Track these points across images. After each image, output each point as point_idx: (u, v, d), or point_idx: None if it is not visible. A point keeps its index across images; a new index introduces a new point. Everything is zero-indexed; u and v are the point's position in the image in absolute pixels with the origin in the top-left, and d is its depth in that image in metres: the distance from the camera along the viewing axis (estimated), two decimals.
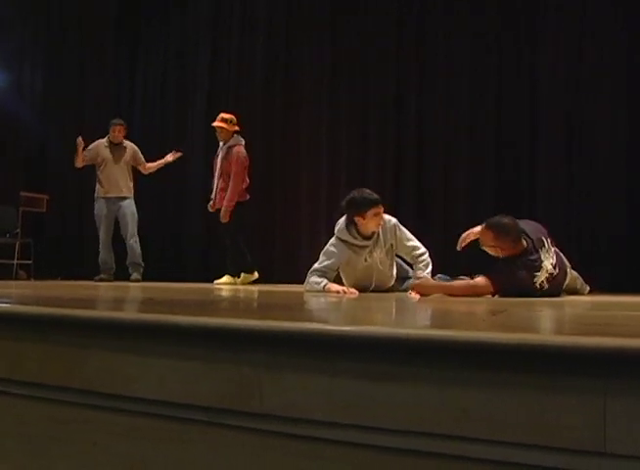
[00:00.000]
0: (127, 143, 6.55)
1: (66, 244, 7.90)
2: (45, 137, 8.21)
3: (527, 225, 3.55)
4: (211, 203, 6.09)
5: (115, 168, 6.40)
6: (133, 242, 6.35)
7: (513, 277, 3.30)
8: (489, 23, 6.60)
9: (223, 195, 5.91)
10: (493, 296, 3.30)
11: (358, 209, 3.86)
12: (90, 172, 6.55)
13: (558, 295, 3.59)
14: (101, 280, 6.20)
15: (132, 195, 6.47)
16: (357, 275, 4.02)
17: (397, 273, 4.21)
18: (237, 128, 6.02)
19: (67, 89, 8.23)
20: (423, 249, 4.01)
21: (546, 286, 3.39)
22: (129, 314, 1.51)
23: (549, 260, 3.41)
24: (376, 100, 7.02)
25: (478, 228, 3.54)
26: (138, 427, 1.26)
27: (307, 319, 1.60)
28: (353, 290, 3.69)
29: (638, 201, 6.02)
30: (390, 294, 3.99)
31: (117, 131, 6.43)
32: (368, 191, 3.92)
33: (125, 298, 2.78)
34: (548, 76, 6.38)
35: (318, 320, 1.58)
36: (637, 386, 0.88)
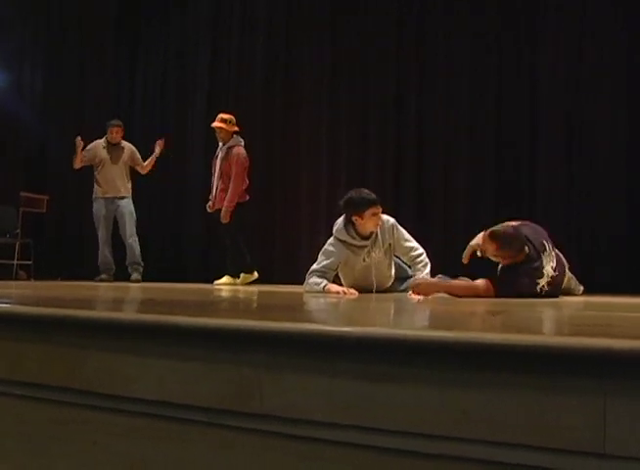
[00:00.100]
0: (125, 143, 6.55)
1: (65, 244, 7.90)
2: (45, 137, 8.22)
3: (529, 230, 3.53)
4: (210, 203, 6.09)
5: (113, 169, 6.41)
6: (132, 241, 6.36)
7: (515, 284, 3.30)
8: (489, 23, 6.60)
9: (223, 196, 5.91)
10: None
11: (356, 208, 3.85)
12: (90, 173, 6.56)
13: (557, 295, 3.60)
14: (101, 280, 6.20)
15: (130, 195, 6.48)
16: (356, 275, 4.02)
17: (396, 273, 4.20)
18: (236, 129, 6.01)
19: (67, 89, 8.23)
20: (421, 249, 4.01)
21: (547, 289, 3.40)
22: (129, 315, 1.51)
23: (550, 264, 3.42)
24: (376, 100, 7.02)
25: (480, 237, 3.51)
26: (138, 427, 1.26)
27: (307, 320, 1.60)
28: (353, 290, 3.69)
29: (638, 201, 6.02)
30: (390, 294, 3.99)
31: (115, 132, 6.44)
32: (366, 191, 3.91)
33: (125, 298, 2.78)
34: (548, 76, 6.38)
35: (318, 321, 1.58)
36: (637, 386, 0.88)
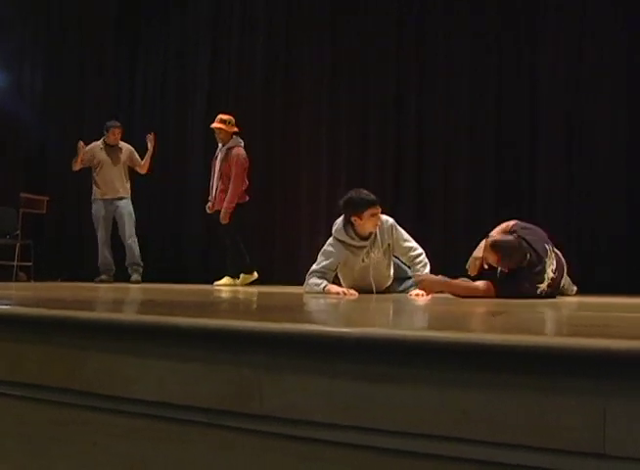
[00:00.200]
0: (123, 144, 6.55)
1: (65, 245, 7.91)
2: (45, 137, 8.22)
3: (531, 234, 3.52)
4: (210, 204, 6.08)
5: (112, 170, 6.41)
6: (131, 242, 6.36)
7: (515, 288, 3.30)
8: (489, 23, 6.60)
9: (223, 196, 5.91)
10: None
11: (355, 209, 3.85)
12: (90, 173, 6.56)
13: (555, 296, 3.61)
14: (101, 281, 6.21)
15: (129, 195, 6.49)
16: (355, 276, 4.02)
17: (396, 274, 4.20)
18: (236, 129, 6.01)
19: (67, 89, 8.23)
20: (420, 249, 4.01)
21: (546, 290, 3.41)
22: (129, 316, 1.51)
23: (551, 267, 3.42)
24: (376, 100, 7.03)
25: (481, 247, 3.50)
26: (138, 428, 1.26)
27: (307, 321, 1.60)
28: (353, 291, 3.69)
29: (638, 201, 6.02)
30: (390, 295, 3.99)
31: (117, 133, 6.44)
32: (365, 191, 3.91)
33: (125, 299, 2.79)
34: (548, 76, 6.38)
35: (317, 322, 1.59)
36: (636, 387, 0.89)
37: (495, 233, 3.63)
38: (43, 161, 8.19)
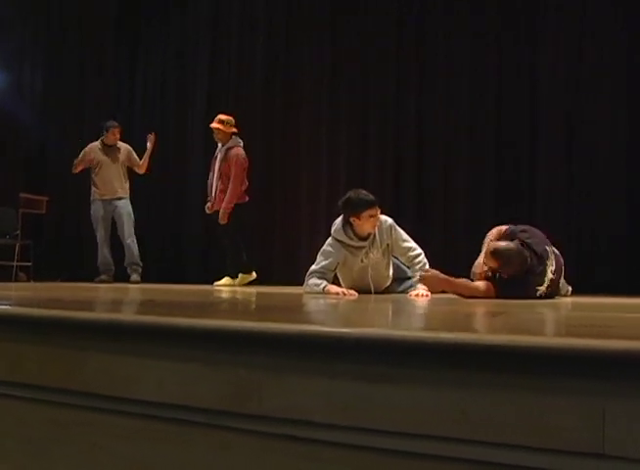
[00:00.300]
0: (121, 144, 6.55)
1: (65, 245, 7.91)
2: (45, 137, 8.22)
3: (532, 236, 3.50)
4: (209, 204, 6.07)
5: (110, 170, 6.41)
6: (130, 242, 6.36)
7: (516, 291, 3.30)
8: (489, 23, 6.60)
9: (222, 197, 5.91)
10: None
11: (354, 209, 3.85)
12: (89, 174, 6.56)
13: (554, 296, 3.61)
14: (101, 281, 6.20)
15: (128, 195, 6.49)
16: (354, 276, 4.02)
17: (395, 274, 4.20)
18: (234, 130, 5.99)
19: (67, 89, 8.23)
20: (419, 250, 4.00)
21: (546, 292, 3.41)
22: (128, 316, 1.51)
23: (550, 269, 3.42)
24: (376, 100, 7.02)
25: (482, 254, 3.51)
26: (137, 429, 1.26)
27: (306, 321, 1.60)
28: (353, 291, 3.69)
29: (638, 201, 6.02)
30: (389, 295, 3.99)
31: (116, 133, 6.44)
32: (364, 192, 3.90)
33: (125, 299, 2.79)
34: (548, 76, 6.38)
35: (317, 322, 1.59)
36: (635, 387, 0.88)
37: (492, 237, 3.61)
38: (43, 161, 8.19)
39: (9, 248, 7.07)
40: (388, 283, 4.18)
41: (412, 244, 4.01)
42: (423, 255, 3.99)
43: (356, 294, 3.66)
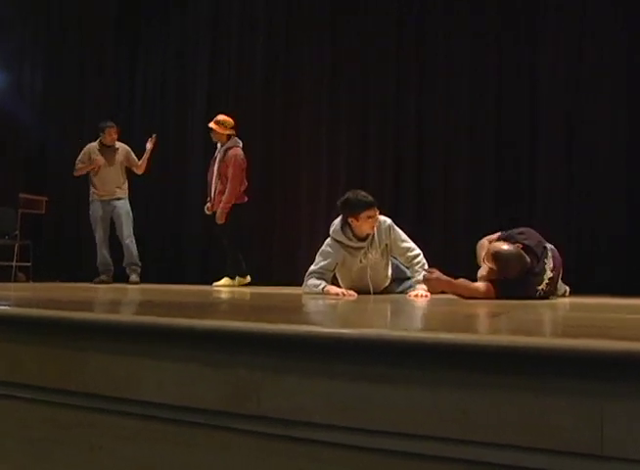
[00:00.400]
0: (119, 144, 6.55)
1: (64, 246, 7.90)
2: (45, 137, 8.22)
3: (528, 237, 3.50)
4: (209, 205, 6.07)
5: (109, 170, 6.41)
6: (129, 242, 6.36)
7: (516, 291, 3.31)
8: (489, 23, 6.60)
9: (221, 197, 5.91)
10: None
11: (352, 210, 3.85)
12: (88, 175, 6.55)
13: (554, 293, 3.62)
14: (100, 282, 6.20)
15: (127, 195, 6.49)
16: (353, 277, 4.02)
17: (394, 274, 4.20)
18: (230, 132, 5.97)
19: (67, 89, 8.23)
20: (417, 250, 4.00)
21: (545, 290, 3.42)
22: (127, 317, 1.51)
23: (548, 266, 3.43)
24: (376, 100, 7.02)
25: (483, 260, 3.52)
26: (137, 429, 1.26)
27: (305, 322, 1.60)
28: (352, 292, 3.69)
29: (638, 201, 6.02)
30: (388, 296, 3.99)
31: (112, 133, 6.43)
32: (363, 193, 3.90)
33: (124, 300, 2.78)
34: (548, 76, 6.38)
35: (315, 323, 1.58)
36: (634, 388, 0.88)
37: (486, 245, 3.61)
38: (43, 161, 8.19)
39: (8, 248, 7.07)
40: (387, 283, 4.17)
41: (411, 244, 4.01)
42: (422, 255, 3.99)
43: (355, 294, 3.66)
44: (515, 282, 3.32)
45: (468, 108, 6.66)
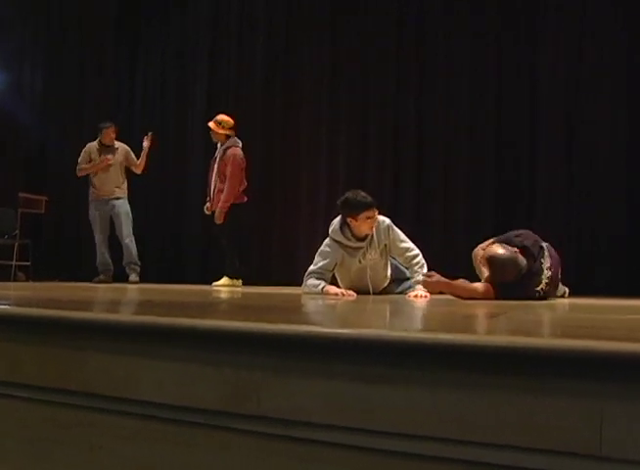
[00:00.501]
0: (119, 144, 6.55)
1: (64, 245, 7.91)
2: (45, 137, 8.22)
3: (525, 238, 3.49)
4: (208, 205, 6.06)
5: (108, 170, 6.42)
6: (129, 241, 6.37)
7: (515, 292, 3.30)
8: (489, 23, 6.60)
9: (220, 196, 5.91)
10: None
11: (351, 210, 3.85)
12: (88, 174, 6.56)
13: (554, 293, 3.61)
14: (100, 282, 6.20)
15: (126, 195, 6.50)
16: (352, 277, 4.02)
17: (394, 275, 4.19)
18: (229, 132, 5.97)
19: (67, 89, 8.24)
20: (416, 250, 3.99)
21: (545, 289, 3.41)
22: (126, 316, 1.51)
23: (546, 265, 3.42)
24: (376, 100, 7.03)
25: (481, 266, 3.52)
26: (137, 429, 1.26)
27: (304, 322, 1.60)
28: (351, 292, 3.69)
29: (638, 201, 6.03)
30: (388, 296, 3.99)
31: (111, 133, 6.43)
32: (363, 194, 3.89)
33: (123, 300, 2.79)
34: (548, 76, 6.38)
35: (315, 323, 1.59)
36: (633, 389, 0.88)
37: (481, 251, 3.61)
38: (43, 161, 8.20)
39: (8, 247, 7.07)
40: (386, 283, 4.17)
41: (410, 244, 4.00)
42: (421, 255, 3.98)
43: (355, 294, 3.66)
44: (513, 284, 3.31)
45: (468, 108, 6.66)
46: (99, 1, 8.30)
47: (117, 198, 6.43)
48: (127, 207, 6.47)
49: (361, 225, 3.85)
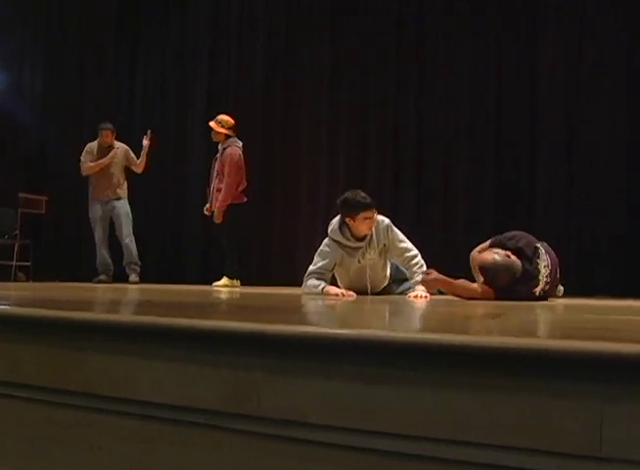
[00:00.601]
0: (118, 144, 6.55)
1: (64, 246, 7.91)
2: (45, 137, 8.23)
3: (519, 240, 3.48)
4: (208, 205, 6.06)
5: (108, 171, 6.42)
6: (129, 241, 6.37)
7: (513, 293, 3.30)
8: (489, 23, 6.60)
9: (219, 195, 5.91)
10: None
11: (349, 210, 3.84)
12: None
13: (553, 294, 3.61)
14: (99, 282, 6.20)
15: (126, 195, 6.50)
16: (351, 277, 4.01)
17: (394, 275, 4.19)
18: (228, 131, 5.97)
19: (67, 89, 8.24)
20: (415, 251, 3.98)
21: (545, 289, 3.40)
22: (126, 317, 1.51)
23: (542, 264, 3.40)
24: (376, 100, 7.03)
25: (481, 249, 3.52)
26: (136, 429, 1.26)
27: (304, 322, 1.60)
28: (351, 293, 3.69)
29: (638, 201, 6.03)
30: (388, 296, 3.98)
31: (106, 136, 6.44)
32: (362, 194, 3.89)
33: (123, 300, 2.79)
34: (548, 76, 6.38)
35: (314, 323, 1.59)
36: (633, 389, 0.88)
37: (477, 252, 3.60)
38: (43, 161, 8.20)
39: (8, 248, 7.07)
40: (386, 283, 4.17)
41: (408, 244, 4.00)
42: (419, 256, 3.97)
43: (355, 295, 3.66)
44: (509, 288, 3.31)
45: (468, 108, 6.67)
46: (99, 1, 8.31)
47: (118, 198, 6.43)
48: (127, 207, 6.48)
49: (359, 225, 3.85)
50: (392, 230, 3.97)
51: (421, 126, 6.84)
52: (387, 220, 3.99)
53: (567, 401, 0.92)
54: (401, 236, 4.00)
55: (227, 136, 5.98)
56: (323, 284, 3.79)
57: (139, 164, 6.54)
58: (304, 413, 1.08)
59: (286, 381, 1.11)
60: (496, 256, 3.32)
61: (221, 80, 7.79)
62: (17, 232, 7.17)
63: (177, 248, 7.78)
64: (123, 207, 6.44)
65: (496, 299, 3.27)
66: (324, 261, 3.90)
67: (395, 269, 4.19)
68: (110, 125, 6.51)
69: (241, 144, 6.05)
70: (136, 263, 6.40)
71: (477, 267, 3.38)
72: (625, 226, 6.01)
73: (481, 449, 0.95)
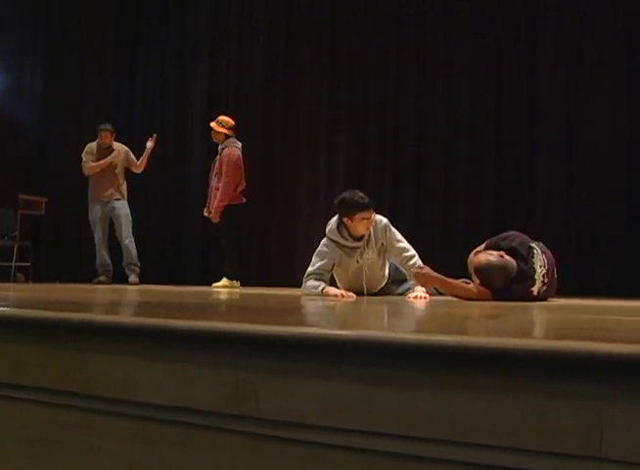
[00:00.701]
0: (118, 145, 6.55)
1: (64, 246, 7.90)
2: (45, 137, 8.22)
3: (513, 240, 3.48)
4: (207, 206, 6.06)
5: (108, 171, 6.42)
6: (128, 242, 6.37)
7: (509, 293, 3.30)
8: (489, 23, 6.60)
9: (217, 194, 5.91)
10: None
11: (347, 210, 3.84)
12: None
13: (552, 294, 3.60)
14: (99, 283, 6.20)
15: (125, 196, 6.50)
16: (349, 277, 4.01)
17: (394, 276, 4.19)
18: (227, 132, 5.97)
19: (67, 89, 8.23)
20: (413, 251, 3.98)
21: (543, 289, 3.40)
22: (126, 318, 1.51)
23: (539, 263, 3.39)
24: (376, 100, 7.03)
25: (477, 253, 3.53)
26: (136, 430, 1.26)
27: (304, 323, 1.60)
28: (351, 293, 3.69)
29: (638, 201, 6.02)
30: (387, 297, 3.98)
31: (105, 137, 6.44)
32: (360, 194, 3.89)
33: (122, 301, 2.79)
34: (548, 76, 6.38)
35: (314, 324, 1.59)
36: (633, 390, 0.89)
37: (473, 255, 3.60)
38: (43, 161, 8.19)
39: (7, 249, 7.06)
40: (384, 283, 4.16)
41: (406, 245, 3.99)
42: (417, 256, 3.96)
43: (354, 296, 3.65)
44: (506, 288, 3.30)
45: (468, 108, 6.66)
46: (99, 1, 8.30)
47: (117, 199, 6.44)
48: (127, 208, 6.48)
49: (357, 226, 3.85)
50: (390, 230, 3.97)
51: (421, 126, 6.84)
52: (385, 220, 3.99)
53: (564, 402, 0.92)
54: (399, 236, 4.00)
55: (226, 136, 5.98)
56: (323, 285, 3.79)
57: (139, 165, 6.55)
58: (304, 414, 1.08)
59: (285, 382, 1.11)
60: (490, 257, 3.33)
61: (221, 80, 7.79)
62: (16, 233, 7.16)
63: (177, 248, 7.78)
64: (123, 208, 6.44)
65: (494, 299, 3.27)
66: (322, 262, 3.90)
67: (395, 270, 4.19)
68: (109, 126, 6.51)
69: (240, 144, 6.06)
70: (136, 264, 6.40)
71: (473, 270, 3.38)
72: (625, 226, 6.01)
73: (481, 450, 0.96)
